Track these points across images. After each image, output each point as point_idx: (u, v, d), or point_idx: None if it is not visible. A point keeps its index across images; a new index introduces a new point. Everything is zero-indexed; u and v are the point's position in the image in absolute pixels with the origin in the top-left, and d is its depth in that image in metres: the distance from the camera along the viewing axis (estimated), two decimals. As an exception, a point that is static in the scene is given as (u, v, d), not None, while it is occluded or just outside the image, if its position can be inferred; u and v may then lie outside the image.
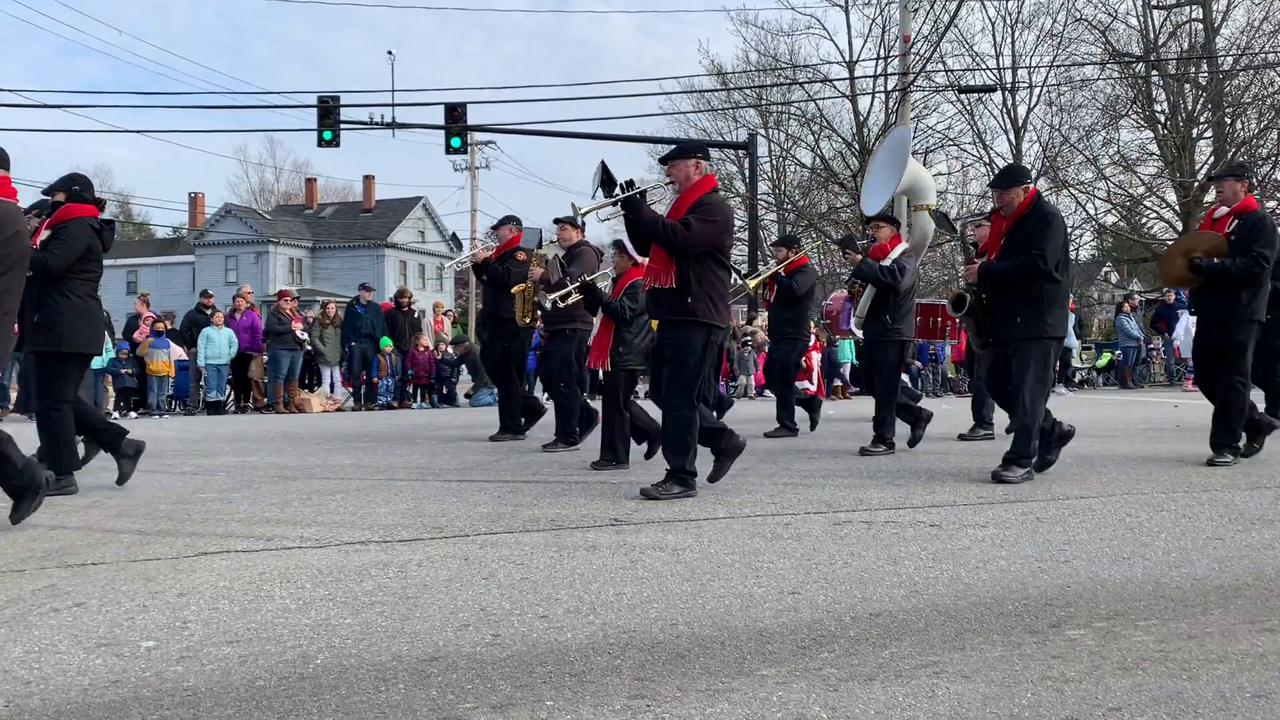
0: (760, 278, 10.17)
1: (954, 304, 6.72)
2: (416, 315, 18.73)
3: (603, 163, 5.71)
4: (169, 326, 16.68)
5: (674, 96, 36.53)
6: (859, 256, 8.49)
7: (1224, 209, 6.76)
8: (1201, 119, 31.45)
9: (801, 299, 9.56)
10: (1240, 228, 6.53)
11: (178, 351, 16.46)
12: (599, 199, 5.66)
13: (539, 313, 8.46)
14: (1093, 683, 2.42)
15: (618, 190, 5.51)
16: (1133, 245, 35.49)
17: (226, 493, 6.08)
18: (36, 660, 2.74)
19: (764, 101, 35.08)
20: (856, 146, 34.54)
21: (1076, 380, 20.37)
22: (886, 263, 7.94)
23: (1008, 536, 4.25)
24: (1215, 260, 6.49)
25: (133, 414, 15.81)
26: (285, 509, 5.36)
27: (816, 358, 18.42)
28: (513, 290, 8.72)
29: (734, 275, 11.50)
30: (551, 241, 8.82)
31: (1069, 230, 6.80)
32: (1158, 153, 32.08)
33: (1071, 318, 19.36)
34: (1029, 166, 8.08)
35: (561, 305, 7.83)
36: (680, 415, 5.47)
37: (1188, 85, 31.01)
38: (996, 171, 35.48)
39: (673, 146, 5.77)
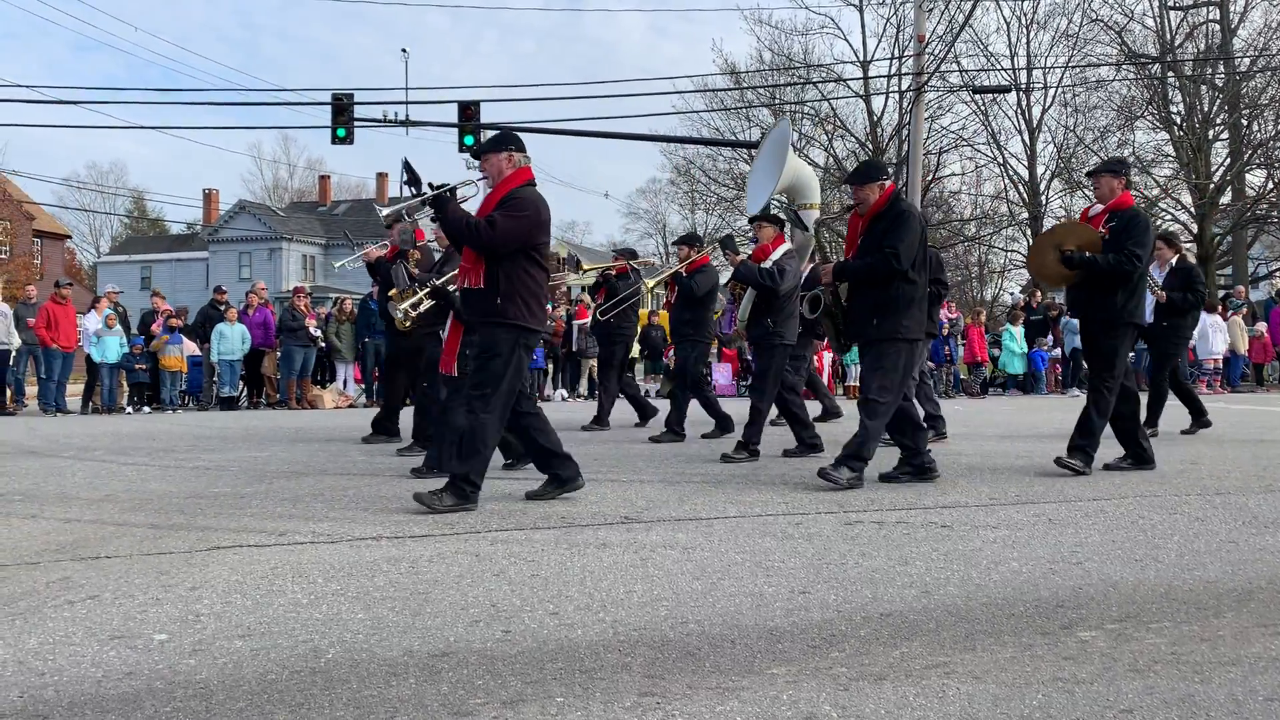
0: (660, 278, 9.80)
1: (810, 305, 6.48)
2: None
3: (405, 161, 5.37)
4: (182, 322, 16.77)
5: (687, 95, 36.51)
6: (739, 257, 8.21)
7: (1099, 206, 6.47)
8: (1218, 120, 31.29)
9: (703, 300, 9.17)
10: (1115, 224, 6.27)
11: (191, 347, 16.54)
12: (406, 199, 5.36)
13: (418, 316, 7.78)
14: (1104, 684, 2.41)
15: (425, 188, 5.25)
16: (1147, 247, 35.20)
17: (239, 488, 6.11)
18: (51, 652, 2.76)
19: (777, 101, 35.05)
20: (870, 147, 34.49)
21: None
22: (767, 264, 7.62)
23: (1019, 538, 4.23)
24: (1087, 254, 6.21)
25: (146, 409, 15.90)
26: (297, 504, 5.38)
27: (828, 359, 18.40)
28: (389, 294, 8.02)
29: (636, 276, 11.16)
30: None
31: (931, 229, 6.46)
32: (1173, 154, 31.96)
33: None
34: (884, 164, 7.43)
35: (414, 314, 7.41)
36: (477, 419, 5.06)
37: (1204, 86, 30.86)
38: (1022, 173, 35.12)
39: (487, 139, 5.40)
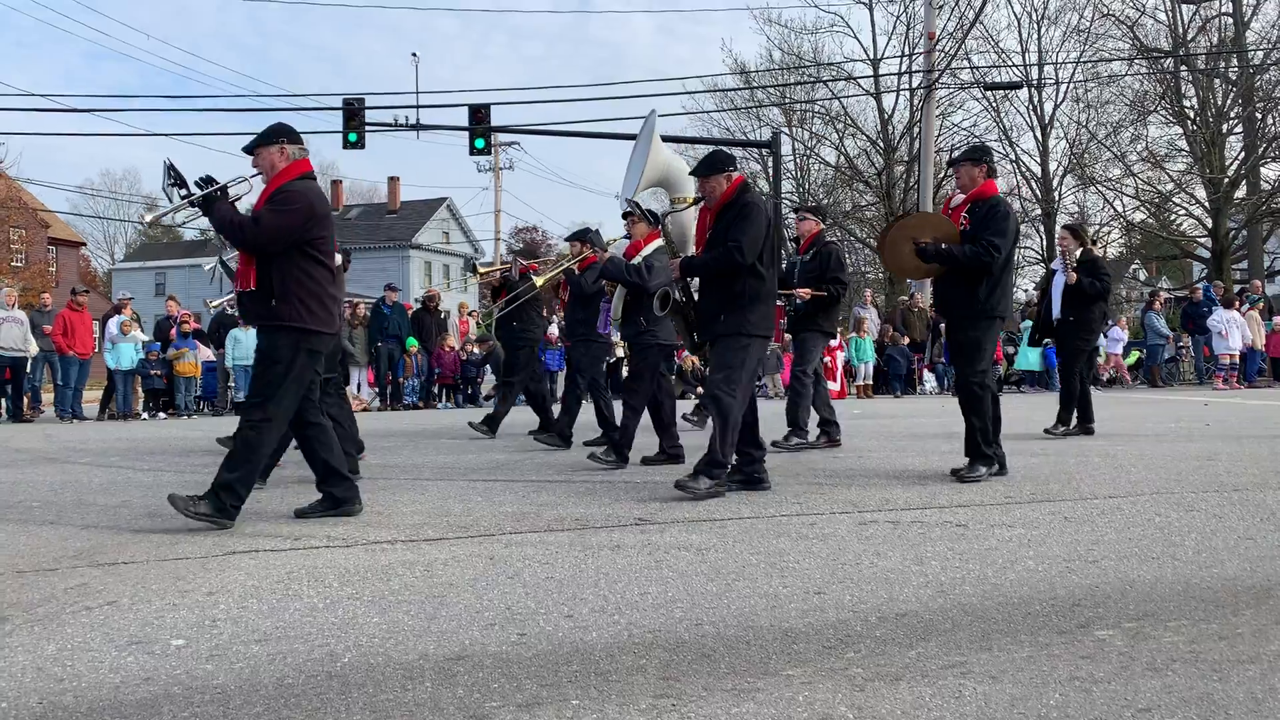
0: (550, 275, 9.39)
1: (659, 303, 6.27)
2: (443, 316, 18.85)
3: (168, 162, 5.07)
4: (195, 326, 16.88)
5: (697, 96, 36.47)
6: (603, 253, 7.98)
7: (960, 196, 6.19)
8: (1232, 114, 31.11)
9: (594, 297, 8.60)
10: (973, 214, 5.99)
11: (205, 352, 16.63)
12: (175, 201, 5.06)
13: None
14: (1122, 683, 2.40)
15: (192, 189, 4.98)
16: (1161, 242, 35.17)
17: (254, 492, 6.11)
18: (70, 658, 2.77)
19: (788, 100, 35.02)
20: (881, 145, 34.42)
21: (1105, 379, 20.19)
22: (636, 260, 7.31)
23: (1035, 536, 4.22)
24: (943, 245, 5.92)
25: (161, 415, 15.99)
26: (312, 508, 5.38)
27: (840, 357, 18.37)
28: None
29: (517, 275, 9.71)
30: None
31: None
32: (1187, 149, 31.76)
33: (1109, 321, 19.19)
34: (730, 155, 6.24)
35: (211, 309, 7.11)
36: (252, 428, 4.82)
37: (1217, 80, 30.67)
38: (1035, 169, 34.77)
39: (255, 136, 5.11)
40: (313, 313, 4.87)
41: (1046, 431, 8.83)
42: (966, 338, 6.07)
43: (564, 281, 9.06)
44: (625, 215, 8.00)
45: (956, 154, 6.69)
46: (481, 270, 11.16)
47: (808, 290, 8.05)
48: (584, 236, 9.06)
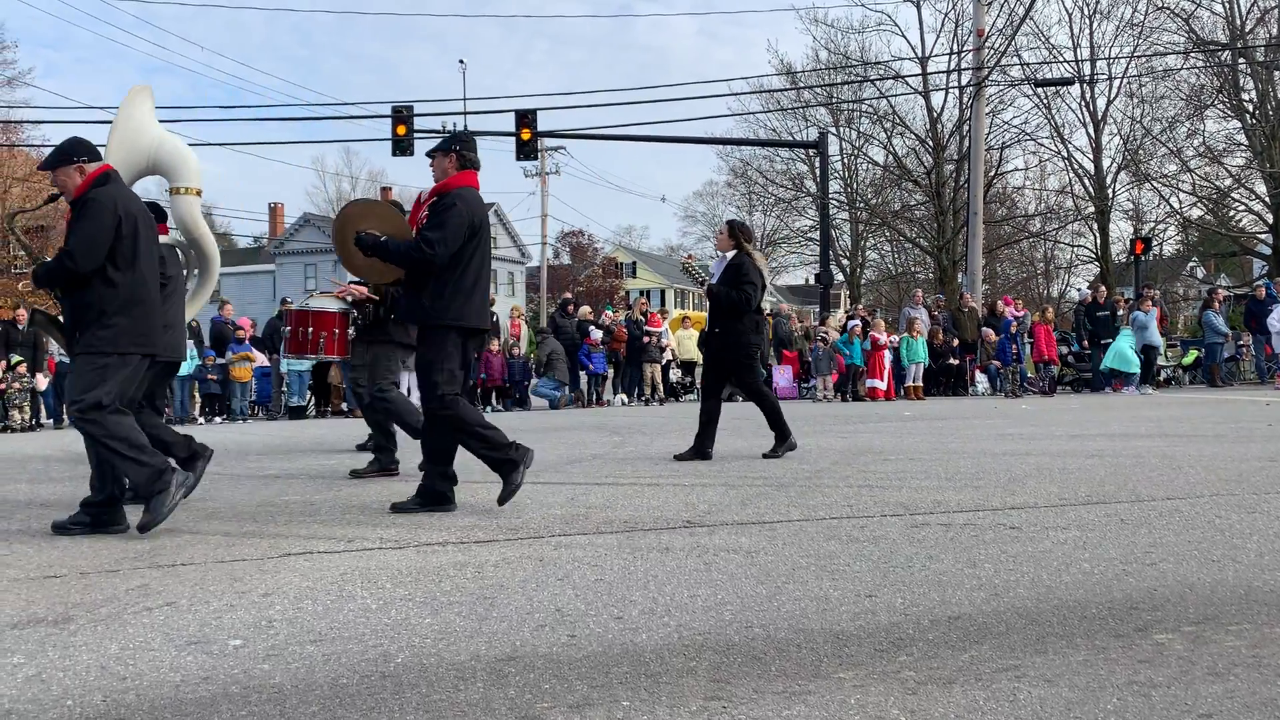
0: None
1: (28, 317, 5.71)
2: (493, 320, 19.00)
3: None
4: (251, 334, 17.17)
5: (743, 97, 36.39)
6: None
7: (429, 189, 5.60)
8: (1292, 107, 30.37)
9: None
10: (431, 209, 5.36)
11: (259, 358, 16.92)
12: None
13: None
14: (1182, 688, 2.36)
15: None
16: (1220, 239, 34.45)
17: (308, 495, 6.22)
18: (132, 657, 2.84)
19: (835, 100, 34.84)
20: (930, 143, 34.10)
21: (1162, 378, 19.80)
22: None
23: (1090, 539, 4.15)
24: (382, 238, 5.37)
25: (218, 419, 16.28)
26: (365, 511, 5.46)
27: (888, 357, 18.22)
28: None
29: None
30: None
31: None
32: (1246, 143, 31.08)
33: (1152, 315, 18.70)
34: (87, 143, 4.98)
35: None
36: None
37: (1277, 73, 29.96)
38: (1088, 166, 34.16)
39: None
40: None
41: (765, 455, 7.67)
42: (418, 354, 5.47)
43: None
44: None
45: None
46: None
47: (359, 289, 7.22)
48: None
